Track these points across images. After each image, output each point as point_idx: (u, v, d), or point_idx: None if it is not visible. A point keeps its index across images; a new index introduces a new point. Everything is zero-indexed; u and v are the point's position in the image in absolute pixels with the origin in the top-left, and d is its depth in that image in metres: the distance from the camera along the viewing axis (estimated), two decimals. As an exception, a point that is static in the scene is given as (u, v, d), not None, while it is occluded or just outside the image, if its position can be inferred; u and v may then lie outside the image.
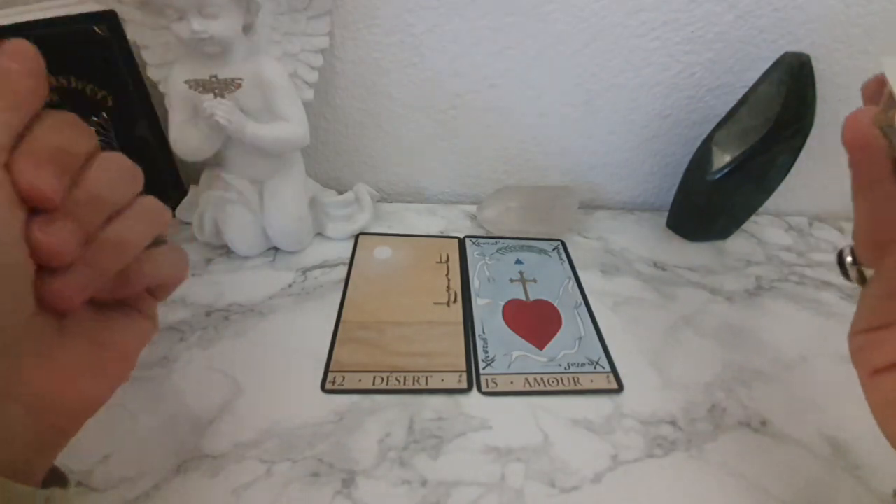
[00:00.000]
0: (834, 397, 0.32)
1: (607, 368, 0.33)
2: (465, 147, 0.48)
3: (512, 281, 0.40)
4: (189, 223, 0.41)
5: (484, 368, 0.32)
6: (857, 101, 0.50)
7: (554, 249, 0.44)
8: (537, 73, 0.44)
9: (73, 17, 0.33)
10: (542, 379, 0.32)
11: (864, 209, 0.18)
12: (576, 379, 0.32)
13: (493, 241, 0.44)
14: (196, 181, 0.42)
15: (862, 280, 0.20)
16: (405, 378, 0.31)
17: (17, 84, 0.15)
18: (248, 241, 0.40)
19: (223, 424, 0.28)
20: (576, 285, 0.40)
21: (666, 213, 0.49)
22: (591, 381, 0.32)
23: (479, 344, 0.34)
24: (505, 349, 0.34)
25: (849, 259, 0.20)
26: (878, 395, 0.20)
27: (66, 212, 0.15)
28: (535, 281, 0.40)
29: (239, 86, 0.34)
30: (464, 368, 0.32)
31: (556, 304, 0.38)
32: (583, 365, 0.33)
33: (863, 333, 0.20)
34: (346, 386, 0.30)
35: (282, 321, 0.35)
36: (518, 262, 0.42)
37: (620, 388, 0.32)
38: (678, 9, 0.40)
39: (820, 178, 0.51)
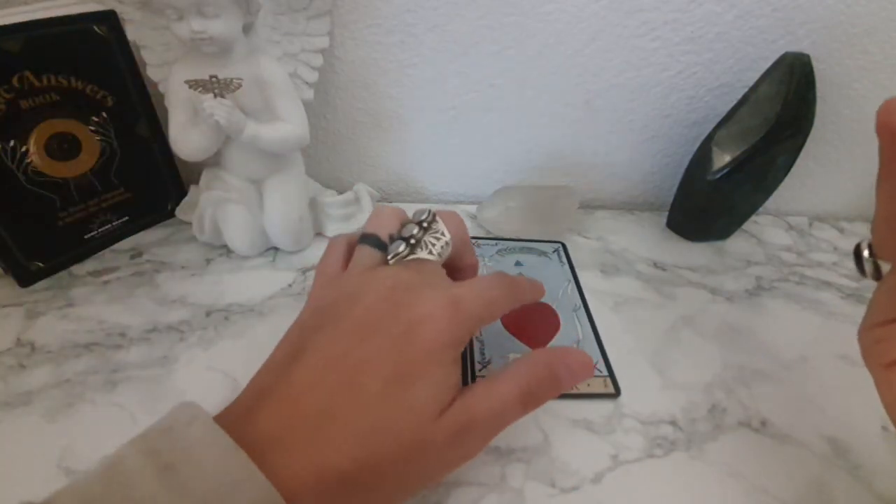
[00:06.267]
0: (834, 397, 0.32)
1: (605, 372, 0.33)
2: (464, 147, 0.48)
3: (512, 281, 0.40)
4: (189, 223, 0.41)
5: (480, 371, 0.32)
6: (857, 101, 0.50)
7: (554, 252, 0.44)
8: (537, 73, 0.44)
9: (73, 17, 0.33)
10: (541, 380, 0.32)
11: (888, 198, 0.18)
12: (574, 381, 0.32)
13: (494, 242, 0.44)
14: (196, 181, 0.42)
15: (877, 275, 0.20)
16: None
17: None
18: (248, 241, 0.40)
19: (223, 424, 0.28)
20: (575, 288, 0.40)
21: (666, 213, 0.49)
22: (588, 384, 0.32)
23: (476, 346, 0.34)
24: (501, 351, 0.33)
25: (865, 253, 0.20)
26: (892, 388, 0.20)
27: None
28: (534, 281, 0.40)
29: (239, 86, 0.34)
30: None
31: (554, 307, 0.38)
32: (581, 367, 0.33)
33: (878, 327, 0.20)
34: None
35: (282, 321, 0.35)
36: (518, 263, 0.42)
37: (618, 393, 0.31)
38: (678, 9, 0.40)
39: (820, 178, 0.51)
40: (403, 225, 0.26)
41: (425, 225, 0.26)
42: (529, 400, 0.22)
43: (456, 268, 0.28)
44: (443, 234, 0.26)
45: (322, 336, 0.21)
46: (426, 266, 0.24)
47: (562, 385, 0.23)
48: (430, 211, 0.26)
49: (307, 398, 0.19)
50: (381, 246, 0.25)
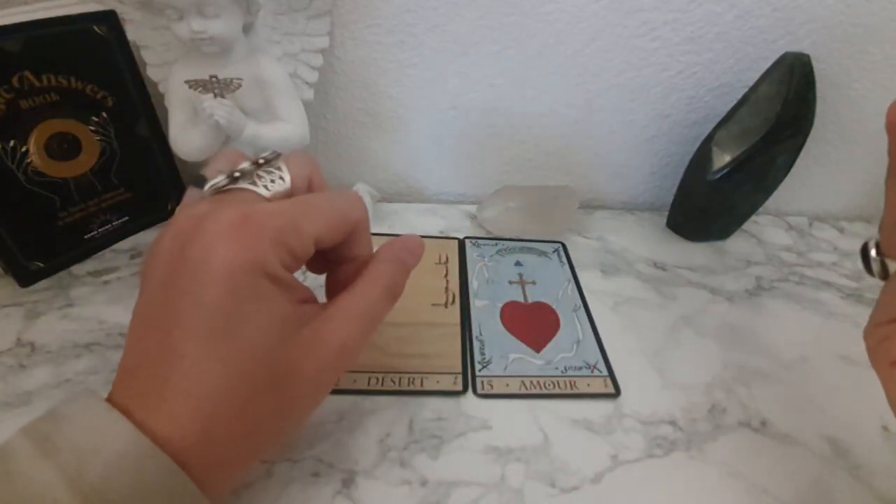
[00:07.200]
0: (834, 397, 0.32)
1: (604, 372, 0.33)
2: (465, 147, 0.48)
3: (511, 283, 0.40)
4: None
5: (480, 370, 0.32)
6: (857, 101, 0.50)
7: (554, 252, 0.44)
8: (537, 73, 0.44)
9: (73, 17, 0.33)
10: (538, 382, 0.32)
11: None
12: (572, 383, 0.32)
13: (493, 242, 0.44)
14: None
15: (885, 274, 0.20)
16: (400, 379, 0.31)
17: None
18: (247, 241, 0.40)
19: (223, 424, 0.28)
20: (575, 288, 0.40)
21: (666, 213, 0.49)
22: (588, 384, 0.32)
23: (476, 346, 0.34)
24: (502, 351, 0.33)
25: (873, 252, 0.20)
26: None
27: None
28: (534, 283, 0.40)
29: (239, 86, 0.34)
30: (459, 370, 0.32)
31: (554, 307, 0.38)
32: (580, 368, 0.33)
33: (884, 325, 0.20)
34: (342, 386, 0.30)
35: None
36: (518, 263, 0.42)
37: (617, 393, 0.31)
38: (678, 9, 0.40)
39: (820, 178, 0.51)
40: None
41: (260, 162, 0.22)
42: (395, 293, 0.23)
43: (342, 259, 0.24)
44: (282, 178, 0.22)
45: (140, 308, 0.20)
46: (237, 195, 0.20)
47: (410, 268, 0.24)
48: (275, 152, 0.22)
49: (143, 371, 0.18)
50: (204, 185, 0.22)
